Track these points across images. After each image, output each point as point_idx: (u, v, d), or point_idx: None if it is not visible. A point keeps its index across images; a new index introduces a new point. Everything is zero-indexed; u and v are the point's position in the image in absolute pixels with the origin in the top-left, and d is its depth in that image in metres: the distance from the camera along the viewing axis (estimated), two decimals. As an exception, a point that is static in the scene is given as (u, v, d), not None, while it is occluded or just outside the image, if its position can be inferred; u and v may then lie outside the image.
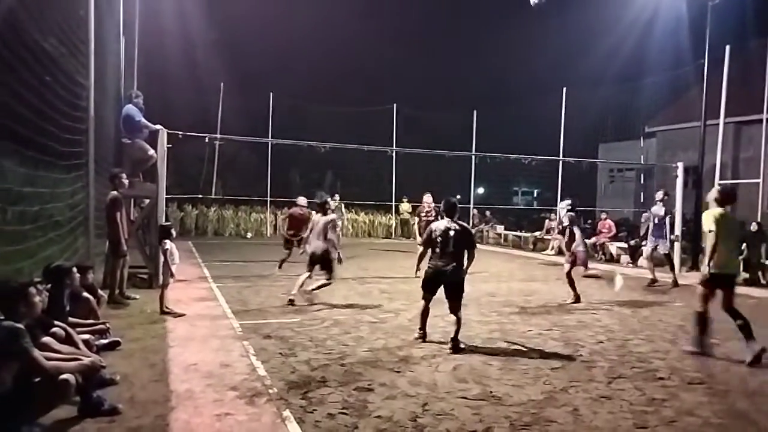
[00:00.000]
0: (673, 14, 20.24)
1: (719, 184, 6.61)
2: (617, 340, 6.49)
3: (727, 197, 6.04)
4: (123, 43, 12.07)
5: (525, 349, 5.97)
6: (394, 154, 22.60)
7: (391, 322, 7.08)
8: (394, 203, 23.43)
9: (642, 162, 23.72)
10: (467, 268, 6.14)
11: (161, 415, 3.89)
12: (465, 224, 6.37)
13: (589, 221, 20.83)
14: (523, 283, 10.79)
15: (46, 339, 3.81)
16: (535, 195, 40.11)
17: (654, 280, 10.90)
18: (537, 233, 19.45)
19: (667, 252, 11.19)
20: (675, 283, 10.76)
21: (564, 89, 21.49)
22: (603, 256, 15.90)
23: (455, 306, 6.04)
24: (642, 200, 24.01)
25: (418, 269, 6.38)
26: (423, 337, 6.24)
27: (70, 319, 4.80)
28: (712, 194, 6.09)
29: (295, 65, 35.59)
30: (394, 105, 23.36)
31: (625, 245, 15.48)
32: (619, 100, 22.89)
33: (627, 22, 23.74)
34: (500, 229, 21.96)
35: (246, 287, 9.50)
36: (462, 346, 5.89)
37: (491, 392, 4.58)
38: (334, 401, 4.28)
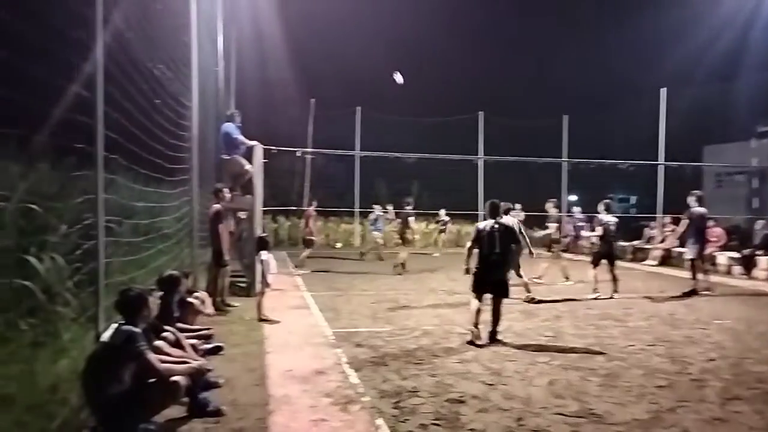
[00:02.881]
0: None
1: None
2: (731, 358, 5.97)
3: None
4: (221, 64, 12.84)
5: (626, 365, 5.64)
6: (481, 163, 22.31)
7: (482, 334, 6.95)
8: (480, 213, 23.08)
9: (755, 164, 21.81)
10: (513, 260, 6.71)
11: (261, 418, 4.06)
12: (507, 223, 6.79)
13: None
14: (622, 295, 10.22)
15: (159, 342, 4.11)
16: (632, 202, 38.00)
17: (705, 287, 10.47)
18: (636, 242, 18.39)
19: (692, 257, 10.64)
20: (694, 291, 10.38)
21: (663, 90, 20.26)
22: (711, 267, 14.72)
23: (497, 302, 6.54)
24: (757, 206, 22.07)
25: (467, 268, 6.75)
26: (478, 336, 6.44)
27: (178, 324, 5.13)
28: None
29: (382, 78, 36.19)
30: (481, 113, 23.08)
31: (738, 255, 14.26)
32: (725, 99, 21.28)
33: (729, 15, 22.09)
34: (594, 238, 20.97)
35: (337, 296, 9.72)
36: (499, 338, 6.49)
37: (591, 410, 4.37)
38: (426, 412, 4.27)
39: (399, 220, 14.25)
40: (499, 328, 6.63)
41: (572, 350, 6.22)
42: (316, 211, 14.74)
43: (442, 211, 19.56)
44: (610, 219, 10.11)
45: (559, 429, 3.99)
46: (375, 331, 7.04)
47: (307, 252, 13.68)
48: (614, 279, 10.07)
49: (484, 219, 6.76)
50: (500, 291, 6.57)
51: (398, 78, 15.12)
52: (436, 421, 4.08)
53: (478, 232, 6.64)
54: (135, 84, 5.94)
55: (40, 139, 4.23)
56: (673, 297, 10.22)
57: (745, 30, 22.86)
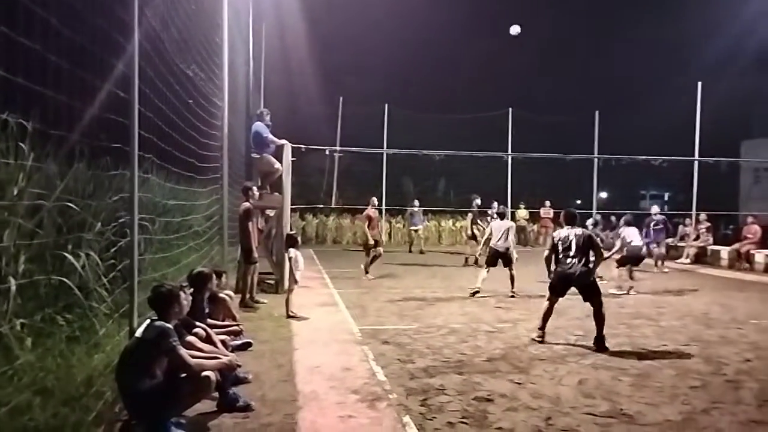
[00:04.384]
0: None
1: None
2: (769, 359, 5.81)
3: None
4: (251, 64, 12.99)
5: (659, 365, 5.53)
6: (509, 160, 22.10)
7: (509, 332, 6.91)
8: (510, 210, 22.84)
9: (795, 160, 21.09)
10: (595, 267, 6.47)
11: (290, 413, 4.11)
12: (585, 229, 6.78)
13: (731, 226, 18.89)
14: (655, 294, 10.01)
15: (191, 338, 4.18)
16: (665, 199, 37.09)
17: None
18: (669, 240, 17.95)
19: None
20: None
21: (699, 84, 19.73)
22: (748, 265, 14.33)
23: (596, 303, 6.33)
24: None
25: (549, 273, 6.72)
26: (542, 337, 6.46)
27: (209, 320, 5.22)
28: None
29: (409, 75, 36.04)
30: (509, 109, 22.85)
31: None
32: (764, 92, 20.56)
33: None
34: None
35: (364, 293, 9.76)
36: (607, 345, 6.16)
37: (621, 410, 4.30)
38: (454, 410, 4.26)
39: (470, 216, 15.01)
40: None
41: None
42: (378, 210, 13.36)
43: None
44: (630, 232, 10.36)
45: (589, 429, 3.94)
46: (402, 328, 7.05)
47: (369, 260, 11.92)
48: (631, 278, 10.50)
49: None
50: (589, 294, 6.41)
51: (515, 30, 14.71)
52: (464, 420, 4.07)
53: (553, 239, 6.71)
54: (168, 84, 6.07)
55: (76, 138, 4.34)
56: (707, 296, 9.98)
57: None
